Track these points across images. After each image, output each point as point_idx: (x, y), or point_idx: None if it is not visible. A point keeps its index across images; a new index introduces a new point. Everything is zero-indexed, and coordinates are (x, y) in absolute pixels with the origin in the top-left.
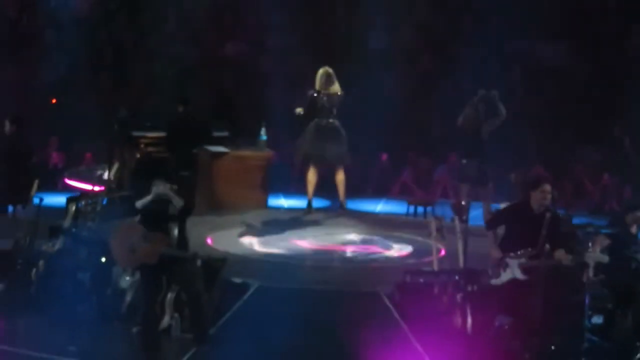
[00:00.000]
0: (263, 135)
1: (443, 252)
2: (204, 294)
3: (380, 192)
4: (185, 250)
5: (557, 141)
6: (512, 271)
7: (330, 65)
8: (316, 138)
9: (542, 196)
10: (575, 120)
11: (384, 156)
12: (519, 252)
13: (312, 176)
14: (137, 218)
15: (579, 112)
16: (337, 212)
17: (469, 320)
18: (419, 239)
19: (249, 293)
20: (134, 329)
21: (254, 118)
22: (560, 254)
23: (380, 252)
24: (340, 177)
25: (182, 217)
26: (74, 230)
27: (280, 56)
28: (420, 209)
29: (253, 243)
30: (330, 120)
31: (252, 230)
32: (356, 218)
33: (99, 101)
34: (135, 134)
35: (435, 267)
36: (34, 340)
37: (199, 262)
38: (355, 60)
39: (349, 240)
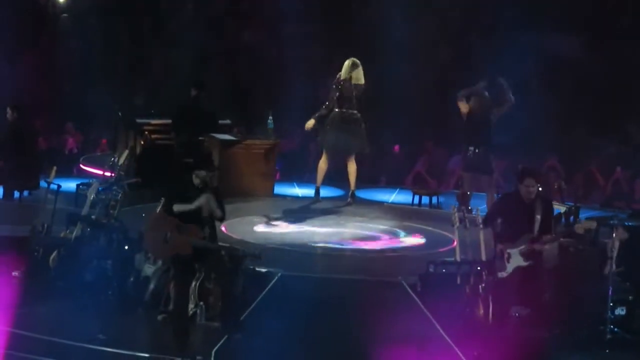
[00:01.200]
0: (270, 123)
1: (455, 243)
2: (233, 283)
3: (394, 183)
4: (215, 242)
5: (570, 134)
6: (515, 260)
7: (347, 55)
8: (339, 130)
9: (526, 190)
10: (590, 114)
11: (396, 147)
12: (518, 241)
13: (323, 164)
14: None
15: (594, 105)
16: (347, 202)
17: (490, 310)
18: (429, 228)
19: (273, 282)
20: (159, 317)
21: (270, 106)
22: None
23: (394, 242)
24: (352, 167)
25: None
26: (92, 217)
27: (298, 45)
28: (425, 199)
29: (268, 231)
30: (352, 111)
31: (264, 218)
32: (366, 207)
33: (115, 87)
34: (139, 120)
35: (458, 258)
36: (60, 327)
37: (223, 252)
38: (372, 50)
39: (361, 229)
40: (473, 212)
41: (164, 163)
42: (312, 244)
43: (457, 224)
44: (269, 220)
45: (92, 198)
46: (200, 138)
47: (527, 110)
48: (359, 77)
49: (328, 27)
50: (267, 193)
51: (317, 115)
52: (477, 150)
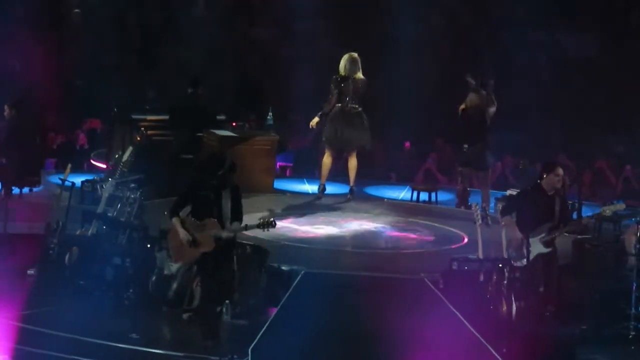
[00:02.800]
0: (270, 119)
1: (465, 240)
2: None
3: (404, 180)
4: (239, 223)
5: (580, 131)
6: (535, 248)
7: (357, 52)
8: (339, 124)
9: (557, 179)
10: (600, 111)
11: (407, 144)
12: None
13: (327, 160)
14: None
15: (604, 103)
16: (347, 198)
17: (514, 306)
18: (436, 225)
19: (297, 279)
20: (184, 315)
21: (280, 102)
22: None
23: (406, 239)
24: (352, 162)
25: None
26: (109, 215)
27: (308, 41)
28: (424, 195)
29: (279, 228)
30: (354, 106)
31: (272, 215)
32: (367, 203)
33: (126, 83)
34: (135, 116)
35: (480, 255)
36: (89, 326)
37: (248, 249)
38: (381, 47)
39: (367, 226)
40: (472, 209)
41: (160, 159)
42: (324, 241)
43: (479, 221)
44: (277, 216)
45: (107, 196)
46: (198, 134)
47: (537, 108)
48: (360, 73)
49: (339, 24)
50: (267, 189)
51: (320, 113)
52: (472, 146)
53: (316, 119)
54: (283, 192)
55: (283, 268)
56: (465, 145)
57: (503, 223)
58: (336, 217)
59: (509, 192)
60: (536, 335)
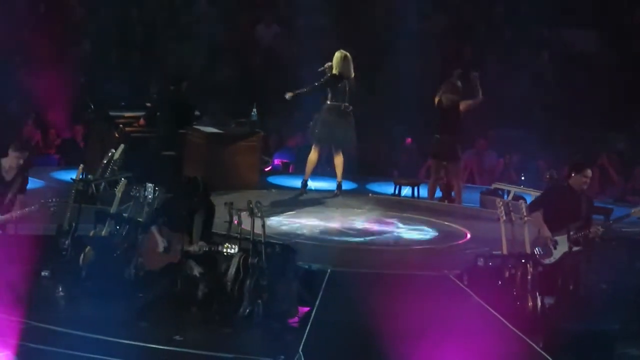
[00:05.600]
0: (254, 115)
1: (469, 236)
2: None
3: (406, 176)
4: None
5: (583, 129)
6: (562, 246)
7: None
8: (332, 122)
9: (584, 180)
10: (603, 109)
11: (409, 140)
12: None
13: (313, 157)
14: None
15: (607, 100)
16: (335, 193)
17: (539, 302)
18: (432, 220)
19: (326, 278)
20: (217, 317)
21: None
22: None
23: (410, 235)
24: (339, 159)
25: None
26: (125, 215)
27: (310, 38)
28: (405, 190)
29: (280, 224)
30: (345, 104)
31: (268, 211)
32: (355, 199)
33: (128, 80)
34: (113, 113)
35: (505, 251)
36: (125, 329)
37: (277, 248)
38: (385, 44)
39: (369, 222)
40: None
41: (140, 155)
42: (323, 238)
43: (504, 217)
44: (274, 213)
45: (119, 195)
46: (181, 131)
47: (540, 105)
48: (352, 72)
49: (341, 21)
50: (252, 185)
51: (298, 92)
52: (443, 137)
53: (291, 93)
54: (269, 188)
55: (308, 267)
56: (437, 136)
57: (531, 220)
58: (330, 212)
59: (494, 186)
60: (569, 329)
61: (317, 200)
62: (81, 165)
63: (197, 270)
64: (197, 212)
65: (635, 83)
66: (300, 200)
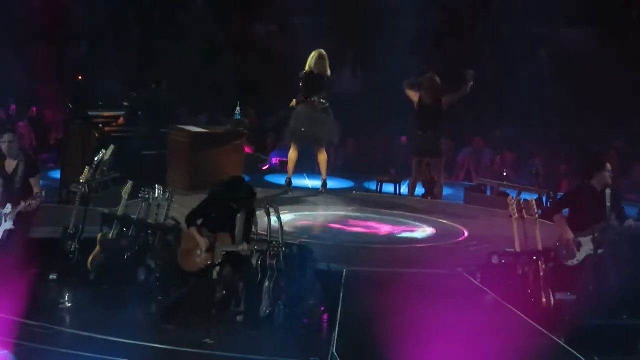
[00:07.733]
0: (238, 114)
1: (466, 233)
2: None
3: (403, 174)
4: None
5: (580, 126)
6: (587, 248)
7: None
8: (305, 119)
9: (608, 175)
10: (600, 106)
11: (404, 138)
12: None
13: (293, 155)
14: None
15: (604, 97)
16: (320, 191)
17: (552, 298)
18: (425, 217)
19: (344, 278)
20: (238, 318)
21: (280, 98)
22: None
23: (409, 233)
24: (322, 157)
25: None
26: (134, 217)
27: (307, 37)
28: (387, 187)
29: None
30: (322, 101)
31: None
32: (341, 197)
33: (125, 79)
34: (92, 113)
35: (518, 248)
36: (150, 332)
37: (294, 249)
38: (381, 42)
39: (364, 221)
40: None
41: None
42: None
43: (516, 215)
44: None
45: (126, 197)
46: (162, 130)
47: (538, 102)
48: (327, 69)
49: (338, 19)
50: None
51: (296, 100)
52: (425, 134)
53: (293, 104)
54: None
55: (321, 267)
56: (419, 132)
57: (555, 221)
58: (324, 210)
59: (477, 182)
60: (589, 324)
61: (300, 199)
62: (86, 168)
63: (232, 272)
64: (240, 213)
65: (633, 81)
66: (285, 199)
